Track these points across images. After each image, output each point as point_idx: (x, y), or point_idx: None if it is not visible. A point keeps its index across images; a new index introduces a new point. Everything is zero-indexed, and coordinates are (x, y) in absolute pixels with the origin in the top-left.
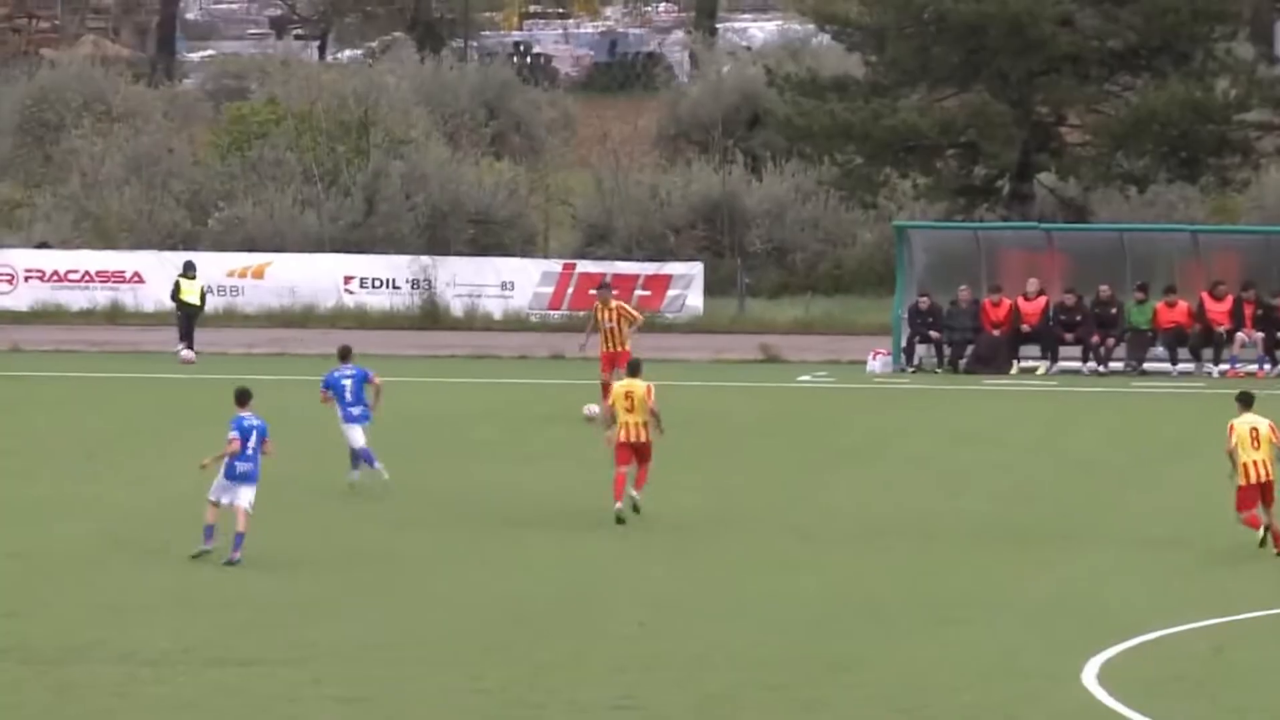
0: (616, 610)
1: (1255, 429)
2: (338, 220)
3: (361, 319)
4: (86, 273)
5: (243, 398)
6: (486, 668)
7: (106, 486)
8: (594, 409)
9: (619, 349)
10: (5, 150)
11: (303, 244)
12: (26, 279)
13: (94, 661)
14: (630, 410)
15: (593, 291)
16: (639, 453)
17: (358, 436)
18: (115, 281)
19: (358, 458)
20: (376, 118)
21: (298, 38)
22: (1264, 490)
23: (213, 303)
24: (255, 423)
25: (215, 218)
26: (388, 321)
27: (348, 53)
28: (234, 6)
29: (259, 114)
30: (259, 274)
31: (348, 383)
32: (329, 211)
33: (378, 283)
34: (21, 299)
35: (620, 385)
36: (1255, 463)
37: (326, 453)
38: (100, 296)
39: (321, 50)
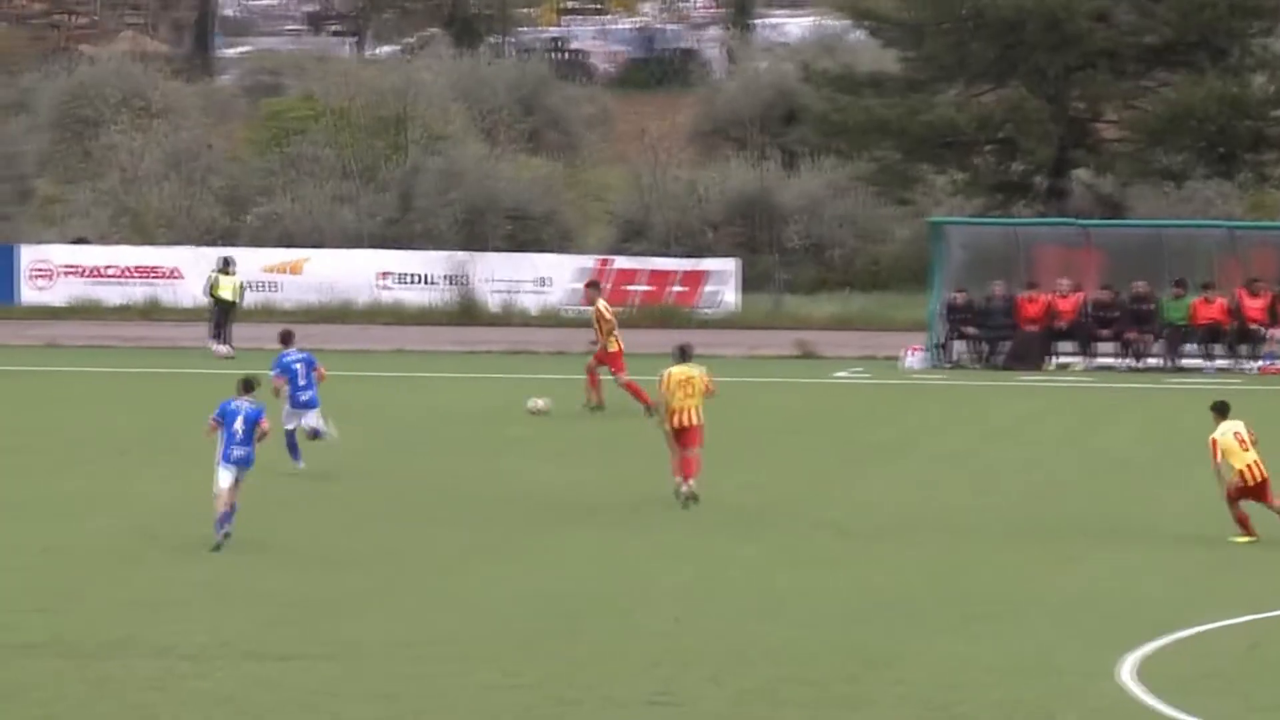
0: (651, 606)
1: (1238, 433)
2: (374, 216)
3: (398, 314)
4: (124, 268)
5: (247, 386)
6: (521, 663)
7: (141, 481)
8: (539, 403)
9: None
10: (44, 146)
11: (340, 240)
12: (64, 274)
13: (131, 656)
14: (685, 396)
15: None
16: (694, 437)
17: (311, 420)
18: (152, 277)
19: (296, 448)
20: (413, 114)
21: (335, 34)
22: (1262, 488)
23: (250, 298)
24: (248, 407)
25: (253, 213)
26: (424, 317)
27: (385, 49)
28: (271, 2)
29: (296, 110)
30: (296, 269)
31: (299, 367)
32: (366, 207)
33: (414, 278)
34: (59, 294)
35: (676, 371)
36: (1250, 465)
37: (361, 449)
38: (137, 292)
39: (358, 46)
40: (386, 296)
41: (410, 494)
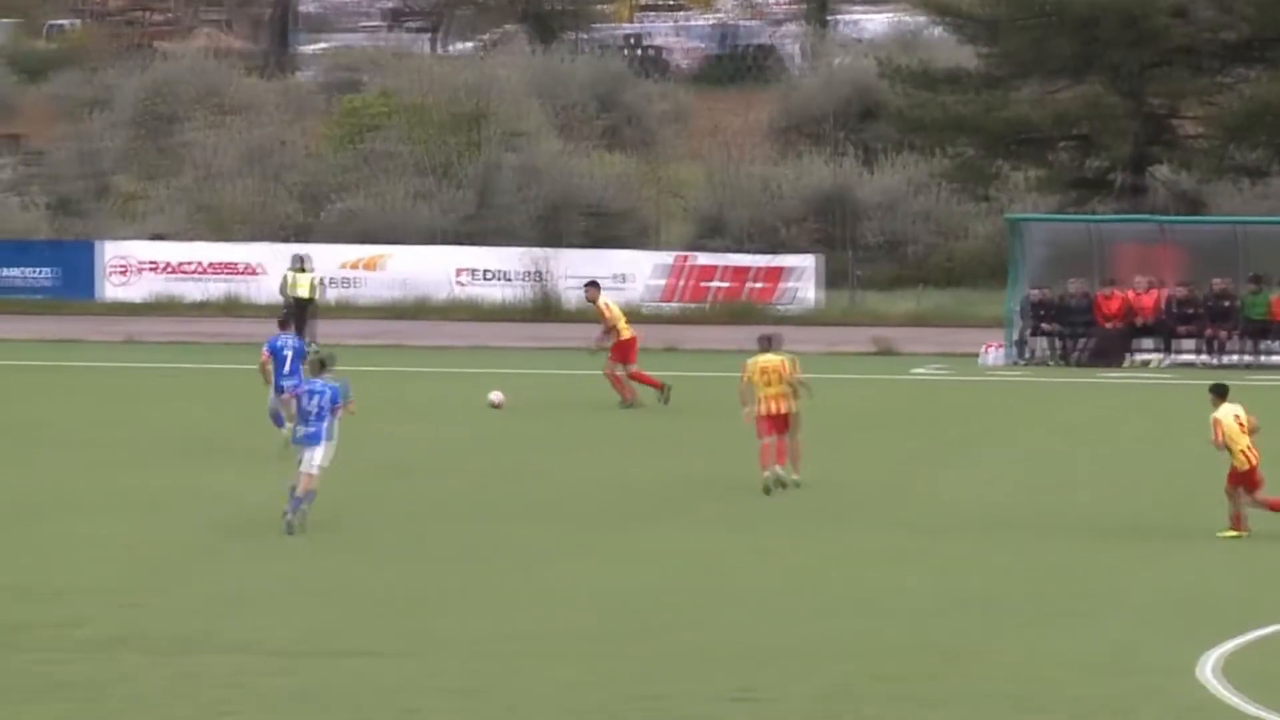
0: (732, 602)
1: (1238, 416)
2: (451, 213)
3: (475, 311)
4: (202, 264)
5: (321, 365)
6: (602, 660)
7: (222, 477)
8: (498, 396)
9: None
10: (121, 143)
11: (417, 236)
12: (142, 271)
13: (211, 652)
14: (769, 384)
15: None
16: (782, 424)
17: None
18: (230, 273)
19: (280, 420)
20: (491, 110)
21: (412, 30)
22: (1254, 473)
23: (328, 295)
24: (321, 387)
25: (329, 210)
26: (501, 314)
27: (461, 45)
28: None
29: (373, 106)
30: (373, 266)
31: (289, 354)
32: (443, 204)
33: (491, 275)
34: (137, 291)
35: (756, 361)
36: (1247, 449)
37: (441, 445)
38: (216, 288)
39: (435, 43)
40: (464, 293)
41: (489, 490)
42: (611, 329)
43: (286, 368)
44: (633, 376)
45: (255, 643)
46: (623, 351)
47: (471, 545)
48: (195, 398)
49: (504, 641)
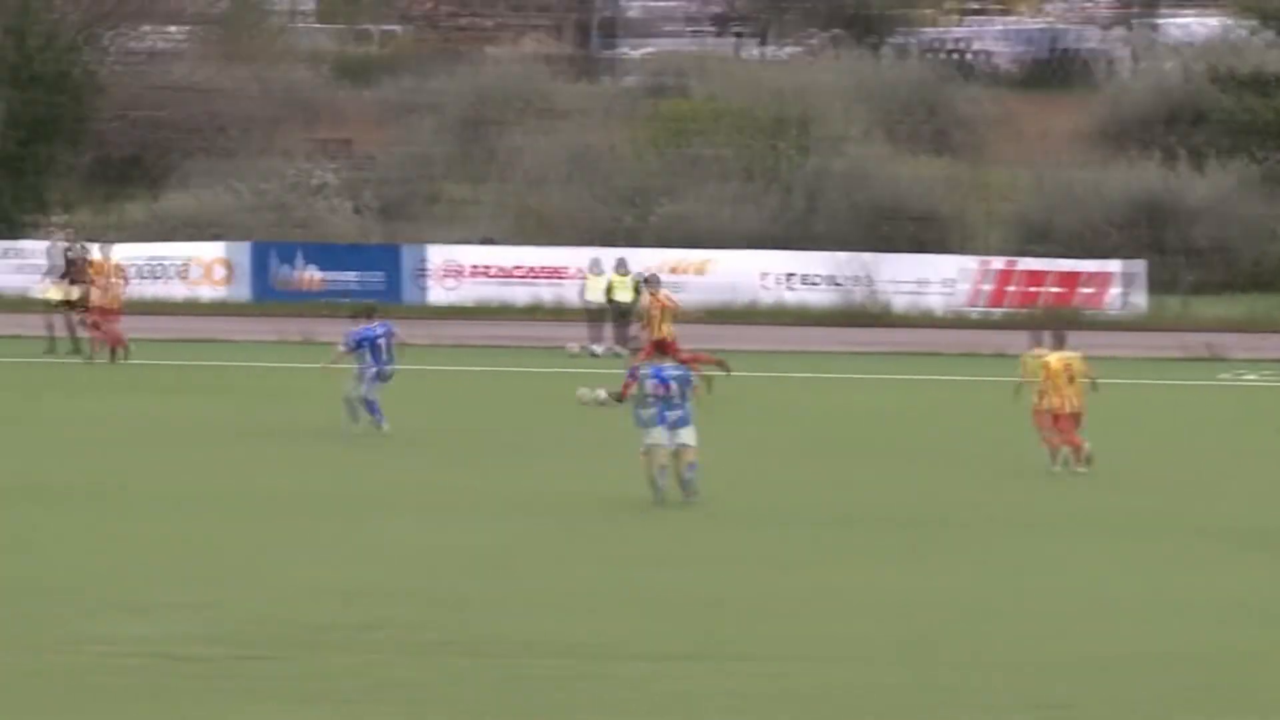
0: (1038, 610)
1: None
2: (776, 217)
3: (801, 315)
4: (529, 268)
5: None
6: (904, 666)
7: (545, 479)
8: (591, 392)
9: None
10: (447, 147)
11: (739, 240)
12: (471, 275)
13: (537, 655)
14: (1070, 381)
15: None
16: (1076, 421)
17: (376, 390)
18: (557, 277)
19: (373, 407)
20: (814, 114)
21: (737, 34)
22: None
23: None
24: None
25: (655, 214)
26: (827, 318)
27: (787, 49)
28: (673, 4)
29: (695, 111)
30: (700, 270)
31: (381, 342)
32: (765, 208)
33: (817, 279)
34: (467, 295)
35: (1056, 358)
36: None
37: (766, 449)
38: (543, 292)
39: (758, 47)
40: (790, 297)
41: (809, 494)
42: (650, 324)
43: (384, 355)
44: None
45: (580, 645)
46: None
47: (785, 549)
48: (521, 399)
49: (821, 646)
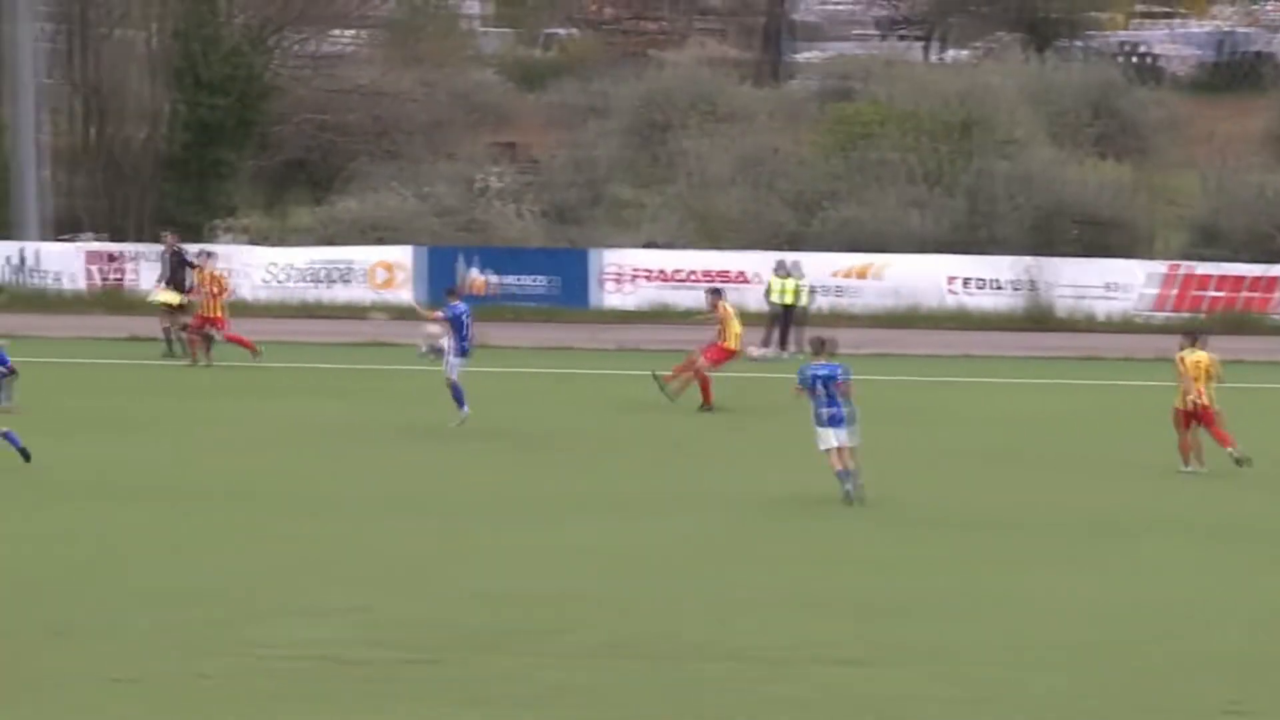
0: (1217, 614)
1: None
2: (943, 221)
3: (966, 320)
4: (695, 272)
5: (820, 346)
6: (1083, 671)
7: (719, 481)
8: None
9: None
10: (616, 151)
11: (909, 244)
12: (637, 278)
13: (703, 659)
14: (1197, 379)
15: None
16: (1207, 417)
17: (458, 368)
18: (722, 281)
19: (458, 391)
20: (982, 118)
21: (904, 38)
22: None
23: (820, 303)
24: (823, 371)
25: (821, 218)
26: (993, 322)
27: (954, 53)
28: (840, 7)
29: (865, 114)
30: (865, 274)
31: (466, 320)
32: (934, 212)
33: (983, 284)
34: (631, 298)
35: (1193, 356)
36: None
37: (931, 454)
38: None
39: (928, 51)
40: (956, 301)
41: (978, 499)
42: (722, 331)
43: (467, 333)
44: (698, 376)
45: (749, 649)
46: (718, 355)
47: (954, 554)
48: (684, 401)
49: (992, 650)
